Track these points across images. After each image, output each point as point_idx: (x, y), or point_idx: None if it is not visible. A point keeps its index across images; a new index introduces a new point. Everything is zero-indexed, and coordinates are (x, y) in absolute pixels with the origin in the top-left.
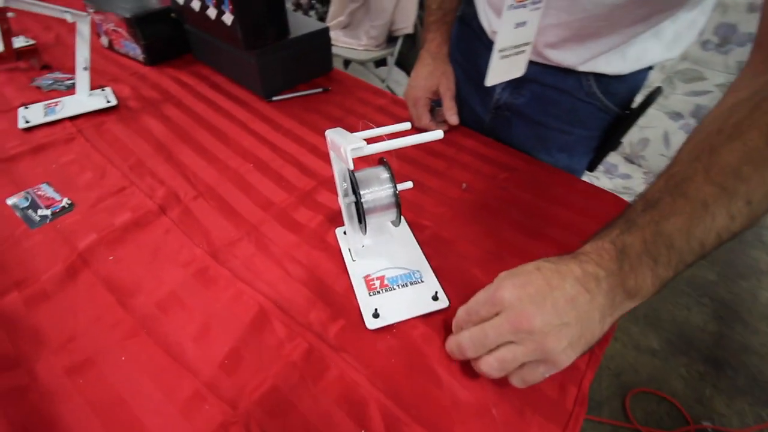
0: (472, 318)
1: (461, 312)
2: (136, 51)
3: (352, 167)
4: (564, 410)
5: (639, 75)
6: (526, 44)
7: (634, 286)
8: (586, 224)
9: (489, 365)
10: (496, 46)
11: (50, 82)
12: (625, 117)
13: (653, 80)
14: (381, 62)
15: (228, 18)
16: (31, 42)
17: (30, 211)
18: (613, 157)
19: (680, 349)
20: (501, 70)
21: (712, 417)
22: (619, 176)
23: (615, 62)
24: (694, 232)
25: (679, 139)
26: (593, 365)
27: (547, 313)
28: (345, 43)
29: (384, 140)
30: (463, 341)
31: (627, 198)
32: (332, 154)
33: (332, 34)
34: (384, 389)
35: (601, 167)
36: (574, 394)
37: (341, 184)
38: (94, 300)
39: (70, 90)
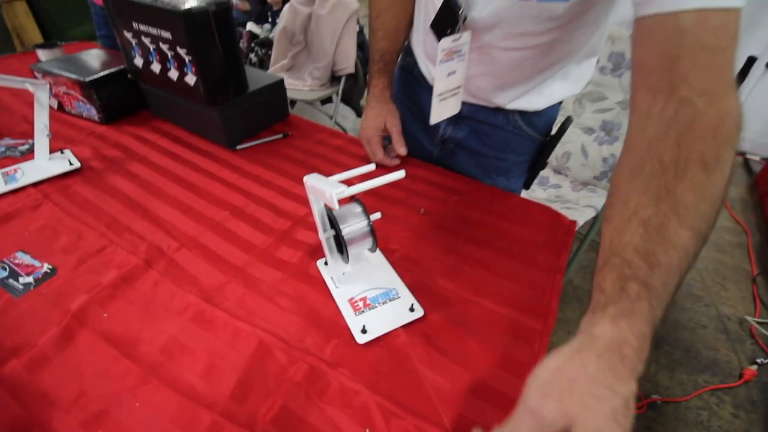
0: None
1: None
2: (90, 111)
3: (337, 208)
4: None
5: (553, 109)
6: (458, 87)
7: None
8: (527, 233)
9: None
10: (435, 92)
11: (2, 149)
12: (546, 143)
13: (566, 105)
14: (327, 99)
15: (191, 79)
16: None
17: (11, 280)
18: (544, 171)
19: None
20: (441, 111)
21: (658, 390)
22: (551, 186)
23: (533, 101)
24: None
25: (594, 150)
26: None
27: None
28: (291, 85)
29: (355, 181)
30: None
31: (558, 204)
32: (311, 197)
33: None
34: (379, 392)
35: (535, 181)
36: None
37: (321, 221)
38: (97, 355)
39: (27, 156)
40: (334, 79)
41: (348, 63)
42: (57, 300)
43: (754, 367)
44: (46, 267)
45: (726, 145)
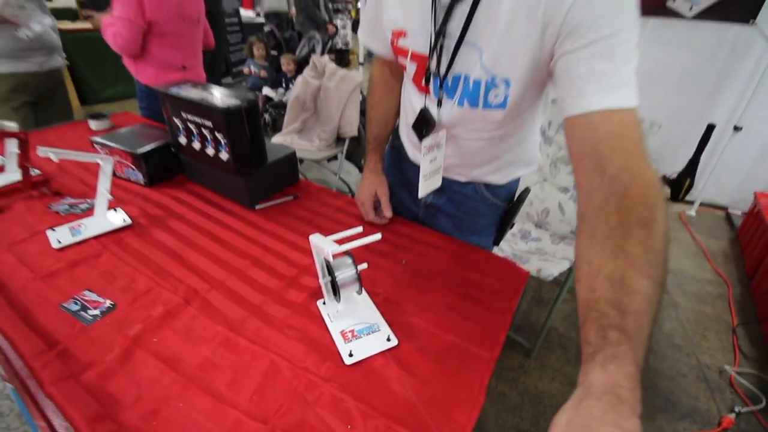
0: None
1: None
2: (137, 176)
3: (332, 260)
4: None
5: (513, 183)
6: (438, 168)
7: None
8: (488, 281)
9: None
10: (421, 174)
11: (66, 207)
12: (510, 209)
13: (543, 167)
14: (332, 157)
15: (224, 155)
16: (38, 172)
17: (82, 312)
18: (526, 225)
19: None
20: (426, 186)
21: None
22: (532, 240)
23: (495, 178)
24: (653, 321)
25: (569, 207)
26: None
27: None
28: (300, 146)
29: (347, 240)
30: None
31: (537, 256)
32: (314, 251)
33: (288, 138)
34: (360, 400)
35: (518, 234)
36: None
37: (322, 270)
38: (150, 369)
39: (86, 212)
40: (339, 140)
41: (351, 127)
42: (118, 328)
43: (732, 416)
44: (108, 303)
45: (656, 206)
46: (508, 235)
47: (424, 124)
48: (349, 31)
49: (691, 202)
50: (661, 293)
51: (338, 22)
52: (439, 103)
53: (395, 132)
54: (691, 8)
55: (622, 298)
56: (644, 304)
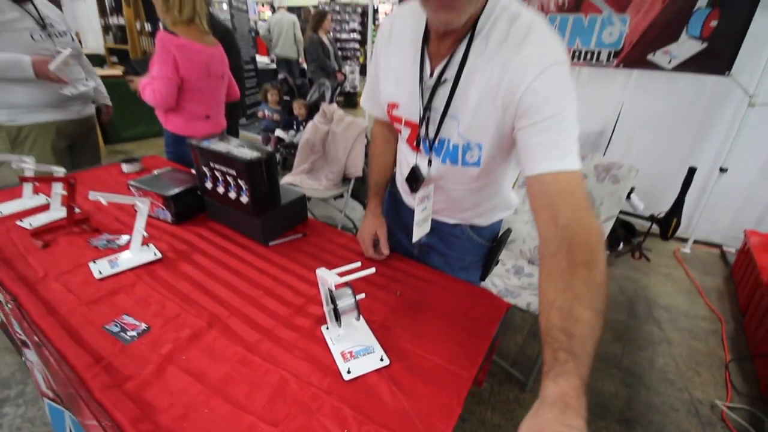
0: None
1: None
2: (166, 215)
3: (334, 290)
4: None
5: (496, 224)
6: (428, 216)
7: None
8: (471, 310)
9: None
10: (415, 221)
11: (104, 242)
12: (493, 248)
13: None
14: (339, 195)
15: (244, 199)
16: (78, 211)
17: (122, 333)
18: (520, 261)
19: (598, 414)
20: (419, 232)
21: None
22: (525, 275)
23: (479, 220)
24: (595, 342)
25: None
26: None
27: None
28: (309, 185)
29: (347, 274)
30: None
31: (529, 291)
32: (320, 282)
33: (297, 178)
34: (356, 409)
35: (512, 269)
36: None
37: (326, 299)
38: (180, 382)
39: (122, 247)
40: (345, 180)
41: (357, 168)
42: (152, 347)
43: None
44: (143, 325)
45: (596, 250)
46: (502, 270)
47: (414, 180)
48: (357, 75)
49: (685, 240)
50: (602, 320)
51: (347, 68)
52: (429, 162)
53: (393, 180)
54: (669, 61)
55: (569, 326)
56: (587, 330)
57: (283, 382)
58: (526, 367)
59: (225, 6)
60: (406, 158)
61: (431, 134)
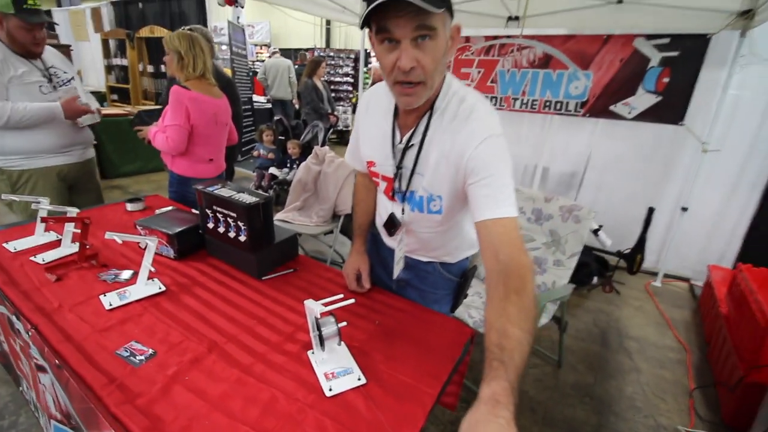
0: None
1: None
2: (169, 251)
3: (320, 318)
4: None
5: (463, 261)
6: (402, 256)
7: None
8: (441, 335)
9: None
10: (395, 259)
11: (112, 276)
12: (461, 283)
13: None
14: (328, 231)
15: (242, 237)
16: (88, 246)
17: (131, 357)
18: None
19: None
20: (398, 269)
21: None
22: None
23: (447, 258)
24: (523, 354)
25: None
26: None
27: None
28: (300, 222)
29: (331, 304)
30: None
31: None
32: (307, 312)
33: (289, 214)
34: (336, 420)
35: None
36: None
37: (312, 326)
38: (184, 398)
39: (129, 281)
40: (335, 217)
41: (346, 206)
42: (158, 369)
43: None
44: (150, 350)
45: (526, 280)
46: (479, 302)
47: (392, 225)
48: (349, 114)
49: (656, 274)
50: (530, 337)
51: (340, 109)
52: (403, 211)
53: (374, 222)
54: (629, 112)
55: (502, 342)
56: (515, 344)
57: (273, 399)
58: None
59: (224, 47)
60: (384, 206)
61: (403, 187)
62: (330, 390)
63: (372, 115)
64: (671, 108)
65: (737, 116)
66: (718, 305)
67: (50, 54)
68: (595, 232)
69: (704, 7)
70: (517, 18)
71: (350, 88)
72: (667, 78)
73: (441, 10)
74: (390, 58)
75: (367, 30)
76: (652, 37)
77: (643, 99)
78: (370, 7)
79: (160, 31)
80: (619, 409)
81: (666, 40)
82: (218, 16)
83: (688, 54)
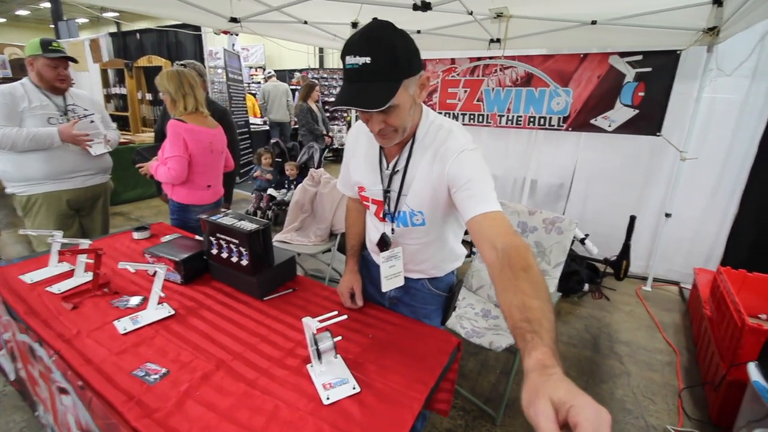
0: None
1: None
2: (176, 277)
3: (317, 334)
4: None
5: (449, 276)
6: (399, 273)
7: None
8: (429, 345)
9: None
10: (383, 276)
11: (124, 303)
12: (449, 296)
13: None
14: (326, 250)
15: (244, 262)
16: (101, 275)
17: (146, 377)
18: (487, 305)
19: None
20: (389, 284)
21: None
22: (491, 318)
23: (434, 271)
24: (550, 320)
25: None
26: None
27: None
28: (298, 241)
29: (326, 321)
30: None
31: (492, 332)
32: (306, 328)
33: (288, 235)
34: (333, 425)
35: (480, 313)
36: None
37: (310, 341)
38: (197, 411)
39: (140, 306)
40: (332, 235)
41: (342, 225)
42: (171, 386)
43: None
44: (163, 370)
45: (528, 257)
46: (472, 314)
47: (384, 244)
48: (344, 132)
49: (645, 279)
50: (549, 305)
51: (335, 127)
52: (393, 230)
53: (365, 245)
54: (609, 125)
55: (527, 315)
56: (540, 313)
57: (276, 409)
58: (499, 404)
59: (220, 70)
60: (375, 227)
61: (392, 208)
62: (327, 399)
63: (361, 144)
64: (648, 120)
65: (711, 126)
66: (703, 307)
67: (78, 96)
68: (582, 241)
69: (673, 26)
70: (498, 40)
71: (344, 108)
72: (642, 92)
73: (389, 104)
74: (363, 117)
75: None
76: (625, 55)
77: (622, 112)
78: (335, 105)
79: (158, 61)
80: (610, 412)
81: (639, 57)
82: (213, 42)
83: (660, 69)
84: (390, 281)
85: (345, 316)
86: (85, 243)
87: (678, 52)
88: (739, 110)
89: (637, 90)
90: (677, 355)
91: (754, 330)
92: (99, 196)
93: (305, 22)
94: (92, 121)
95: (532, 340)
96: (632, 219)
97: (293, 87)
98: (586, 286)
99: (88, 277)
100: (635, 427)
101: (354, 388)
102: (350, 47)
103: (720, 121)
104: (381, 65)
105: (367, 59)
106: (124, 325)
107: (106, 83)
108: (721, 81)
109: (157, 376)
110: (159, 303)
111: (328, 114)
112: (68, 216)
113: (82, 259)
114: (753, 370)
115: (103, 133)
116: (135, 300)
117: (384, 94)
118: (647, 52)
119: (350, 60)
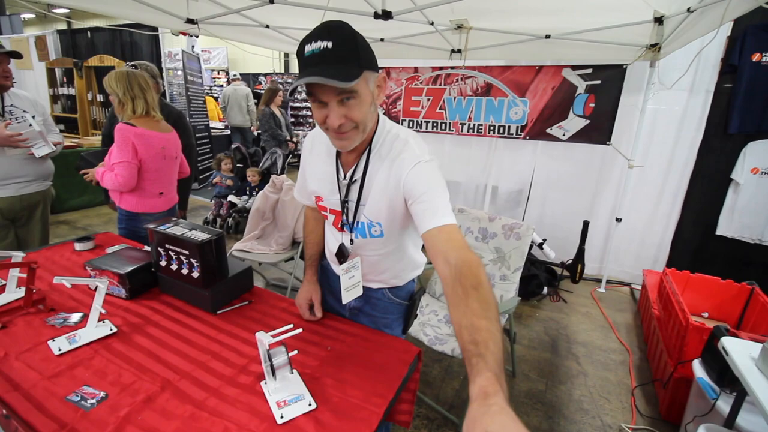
0: None
1: None
2: (120, 291)
3: (269, 350)
4: None
5: (409, 284)
6: (358, 283)
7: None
8: (389, 355)
9: None
10: (343, 287)
11: (61, 320)
12: (409, 305)
13: None
14: (289, 258)
15: (195, 274)
16: (34, 290)
17: (82, 402)
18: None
19: None
20: (348, 296)
21: None
22: None
23: (395, 281)
24: (496, 342)
25: None
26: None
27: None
28: (259, 250)
29: (281, 335)
30: None
31: (455, 339)
32: (259, 344)
33: (248, 244)
34: None
35: (443, 319)
36: None
37: (264, 357)
38: None
39: (78, 324)
40: (294, 243)
41: None
42: (110, 411)
43: None
44: (102, 393)
45: (479, 274)
46: (435, 320)
47: (341, 255)
48: None
49: (599, 281)
50: (497, 325)
51: (300, 133)
52: (351, 241)
53: (323, 253)
54: (564, 134)
55: (474, 336)
56: (487, 335)
57: (226, 431)
58: (463, 411)
59: (180, 72)
60: (334, 236)
61: (350, 219)
62: (281, 417)
63: (317, 154)
64: (599, 129)
65: (655, 136)
66: (651, 307)
67: (18, 96)
68: (540, 245)
69: (619, 42)
70: (459, 51)
71: (309, 113)
72: (593, 103)
73: (355, 82)
74: (321, 114)
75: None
76: (577, 68)
77: (574, 122)
78: (294, 84)
79: (110, 61)
80: (568, 413)
81: (589, 70)
82: (172, 43)
83: (608, 82)
84: (350, 292)
85: (300, 330)
86: (18, 256)
87: (624, 66)
88: (680, 121)
89: (588, 101)
90: (630, 354)
91: (697, 328)
92: (37, 205)
93: (267, 26)
94: (30, 124)
95: (477, 364)
96: (586, 224)
97: (258, 91)
98: (545, 290)
99: (21, 293)
100: (592, 426)
101: (310, 405)
102: (309, 37)
103: (662, 131)
104: (343, 50)
105: (329, 43)
106: (59, 345)
107: (52, 83)
108: (662, 94)
109: (94, 401)
110: (100, 320)
111: (292, 119)
112: (2, 226)
113: (15, 273)
114: (697, 367)
115: (39, 132)
116: (74, 317)
117: (349, 72)
118: (597, 66)
119: (309, 48)
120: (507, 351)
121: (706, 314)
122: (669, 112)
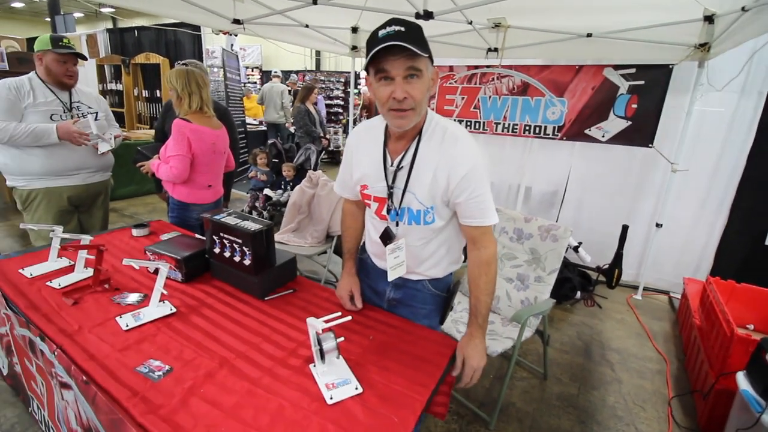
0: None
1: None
2: (177, 275)
3: (321, 334)
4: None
5: (448, 277)
6: (402, 263)
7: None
8: (427, 347)
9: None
10: (388, 266)
11: (125, 299)
12: (447, 297)
13: None
14: (322, 252)
15: (247, 261)
16: (102, 271)
17: (150, 373)
18: None
19: None
20: (394, 274)
21: None
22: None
23: (434, 271)
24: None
25: (514, 295)
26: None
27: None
28: (295, 243)
29: (330, 321)
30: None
31: (488, 336)
32: (310, 328)
33: (285, 236)
34: (337, 425)
35: None
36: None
37: (314, 341)
38: (200, 408)
39: (141, 303)
40: (329, 237)
41: (339, 227)
42: (175, 382)
43: None
44: (167, 367)
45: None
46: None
47: (387, 237)
48: (341, 135)
49: (636, 288)
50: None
51: (331, 130)
52: (397, 224)
53: (362, 247)
54: (603, 135)
55: (476, 305)
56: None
57: (281, 408)
58: (493, 409)
59: (216, 69)
60: (375, 226)
61: (396, 204)
62: (331, 398)
63: (364, 145)
64: (641, 131)
65: (701, 139)
66: (692, 316)
67: (83, 93)
68: (575, 249)
69: (665, 41)
70: (496, 50)
71: (341, 111)
72: (635, 104)
73: (426, 55)
74: (386, 91)
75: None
76: (619, 67)
77: (615, 123)
78: (373, 51)
79: (155, 58)
80: (602, 418)
81: (632, 70)
82: (211, 41)
83: (653, 82)
84: (395, 270)
85: (349, 317)
86: (86, 239)
87: (670, 66)
88: (729, 124)
89: (631, 102)
90: (667, 363)
91: (742, 340)
92: (99, 193)
93: (306, 26)
94: (97, 119)
95: (471, 321)
96: (624, 228)
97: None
98: (579, 294)
99: (88, 273)
100: None
101: (356, 389)
102: (381, 26)
103: (710, 134)
104: (412, 34)
105: (402, 28)
106: (126, 321)
107: (102, 79)
108: (711, 95)
109: (160, 373)
110: (161, 300)
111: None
112: (68, 212)
113: (83, 254)
114: (742, 380)
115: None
116: (135, 297)
117: (420, 48)
118: (641, 66)
119: (383, 31)
120: (540, 353)
121: (751, 326)
122: (717, 115)
